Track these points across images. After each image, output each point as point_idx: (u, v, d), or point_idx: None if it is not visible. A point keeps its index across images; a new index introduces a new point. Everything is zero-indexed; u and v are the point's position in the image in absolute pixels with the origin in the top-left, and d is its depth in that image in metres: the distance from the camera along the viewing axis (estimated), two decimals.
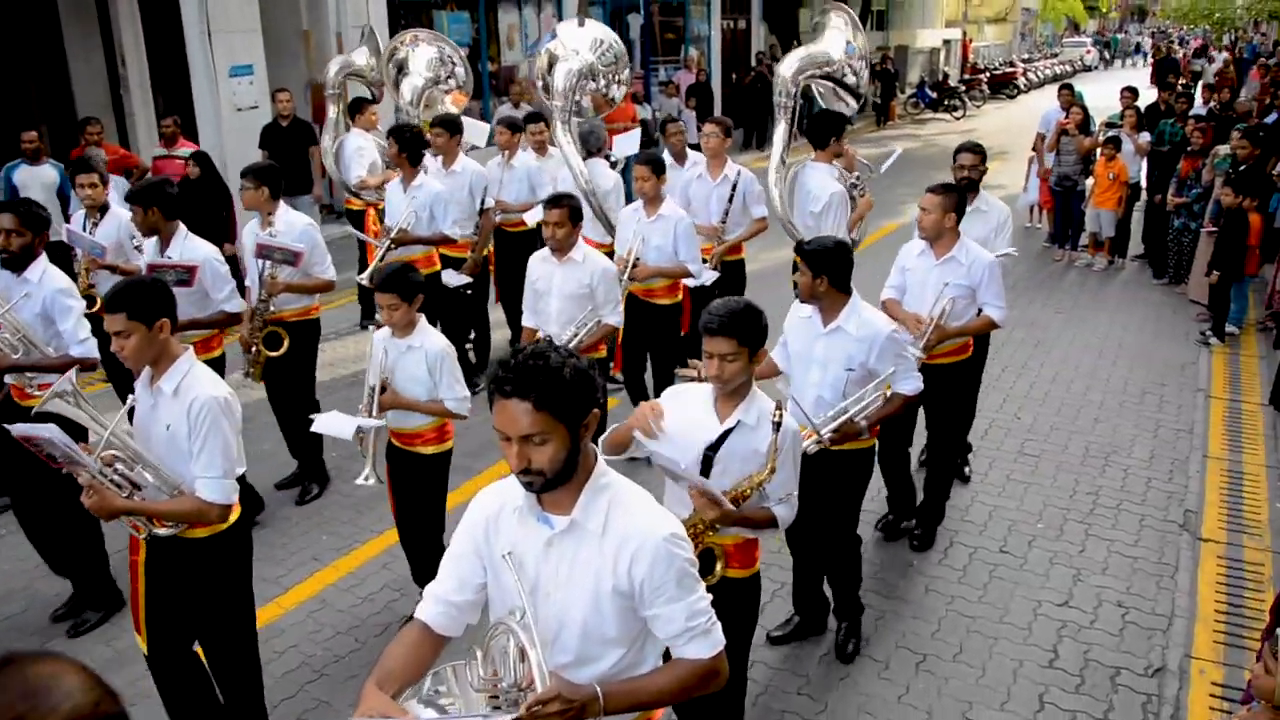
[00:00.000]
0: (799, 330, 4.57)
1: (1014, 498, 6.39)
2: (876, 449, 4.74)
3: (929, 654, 4.88)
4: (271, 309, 6.09)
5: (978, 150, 6.22)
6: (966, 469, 6.66)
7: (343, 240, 11.08)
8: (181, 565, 3.80)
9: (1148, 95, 15.75)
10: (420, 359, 4.68)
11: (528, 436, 2.27)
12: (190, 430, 3.60)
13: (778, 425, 3.41)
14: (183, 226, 5.65)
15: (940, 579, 5.51)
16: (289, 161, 10.68)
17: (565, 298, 5.65)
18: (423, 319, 4.76)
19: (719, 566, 3.55)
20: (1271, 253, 9.89)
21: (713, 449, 3.53)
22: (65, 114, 12.87)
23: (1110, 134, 11.72)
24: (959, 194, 5.44)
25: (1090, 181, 11.84)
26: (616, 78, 8.49)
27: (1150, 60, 36.75)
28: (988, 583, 5.47)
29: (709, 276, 6.96)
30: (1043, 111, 13.11)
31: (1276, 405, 7.65)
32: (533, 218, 7.83)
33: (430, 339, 4.71)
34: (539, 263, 5.78)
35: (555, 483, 2.34)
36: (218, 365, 5.72)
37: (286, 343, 6.21)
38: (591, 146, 8.26)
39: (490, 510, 2.54)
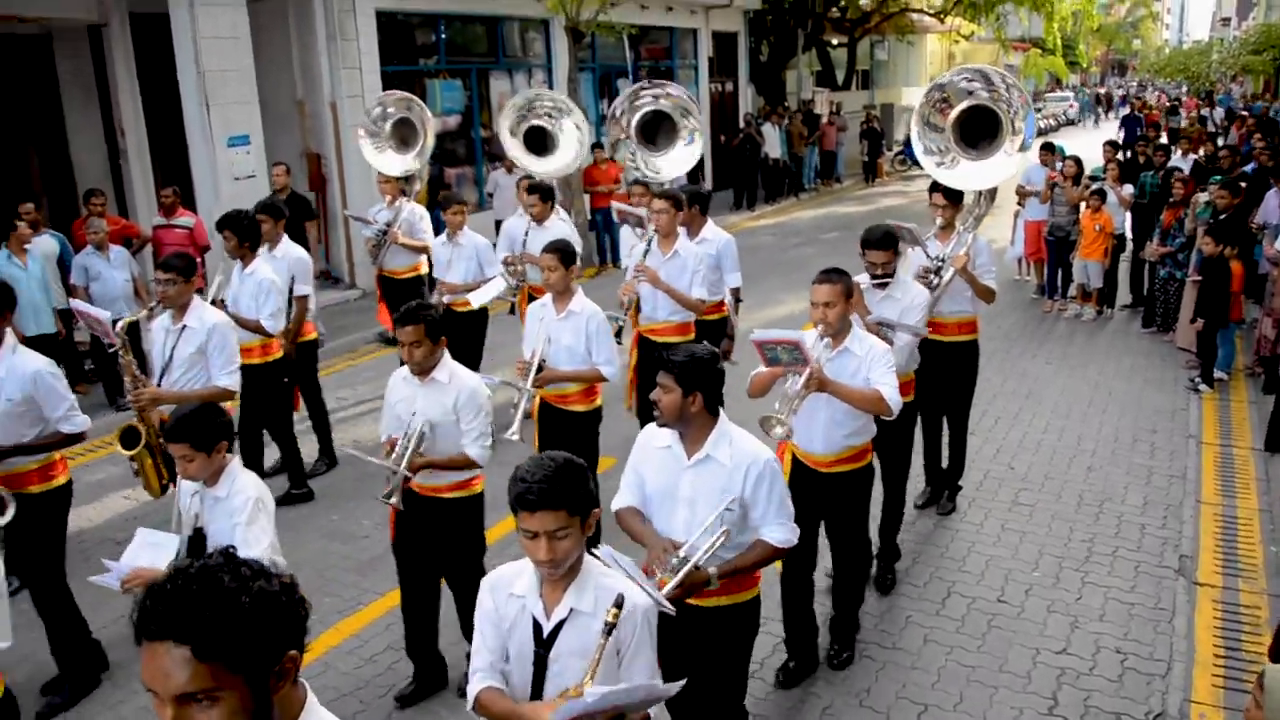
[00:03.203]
0: (655, 463, 3.76)
1: (1009, 547, 6.44)
2: (759, 599, 3.93)
3: (930, 704, 4.90)
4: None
5: (887, 245, 5.46)
6: (890, 576, 6.04)
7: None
8: None
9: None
10: (229, 512, 3.95)
11: (188, 696, 1.65)
12: None
13: (610, 628, 2.70)
14: (11, 336, 4.91)
15: (939, 629, 5.54)
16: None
17: (438, 430, 4.73)
18: (233, 461, 4.07)
19: None
20: (1257, 297, 10.03)
21: (544, 646, 2.84)
22: (65, 185, 13.08)
23: (1095, 187, 11.93)
24: (848, 276, 4.78)
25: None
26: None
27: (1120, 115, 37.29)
28: (986, 632, 5.50)
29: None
30: (1026, 165, 13.33)
31: (1271, 449, 7.73)
32: (479, 298, 7.59)
33: (240, 485, 3.99)
34: (400, 383, 4.82)
35: None
36: (62, 495, 5.11)
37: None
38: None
39: None
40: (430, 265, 9.19)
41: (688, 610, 3.67)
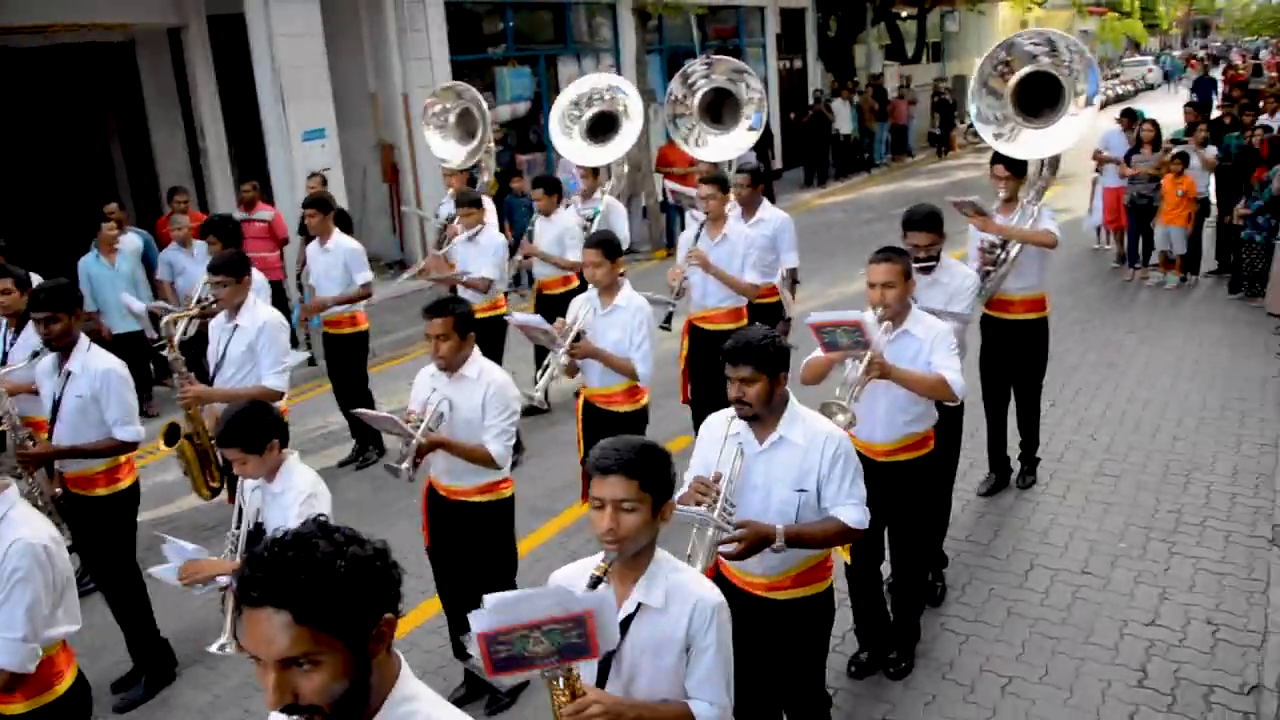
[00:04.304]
0: (725, 455, 3.53)
1: (1094, 518, 6.33)
2: (833, 589, 3.84)
3: (1014, 676, 4.86)
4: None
5: (931, 227, 5.16)
6: (940, 585, 5.63)
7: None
8: None
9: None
10: (283, 508, 3.91)
11: (290, 660, 1.69)
12: None
13: (596, 581, 2.50)
14: (85, 337, 4.96)
15: (1022, 601, 5.48)
16: None
17: (458, 424, 4.56)
18: (290, 457, 4.02)
19: None
20: None
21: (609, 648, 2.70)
22: (149, 185, 13.48)
23: (1176, 150, 11.61)
24: (908, 255, 4.66)
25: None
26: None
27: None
28: (1071, 604, 5.43)
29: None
30: (1103, 131, 13.03)
31: None
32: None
33: (293, 481, 3.96)
34: (427, 379, 4.69)
35: None
36: (128, 497, 5.18)
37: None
38: None
39: None
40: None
41: (765, 604, 3.67)
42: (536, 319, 5.57)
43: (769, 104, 9.14)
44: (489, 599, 2.28)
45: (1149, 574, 5.67)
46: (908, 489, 4.72)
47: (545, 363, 5.56)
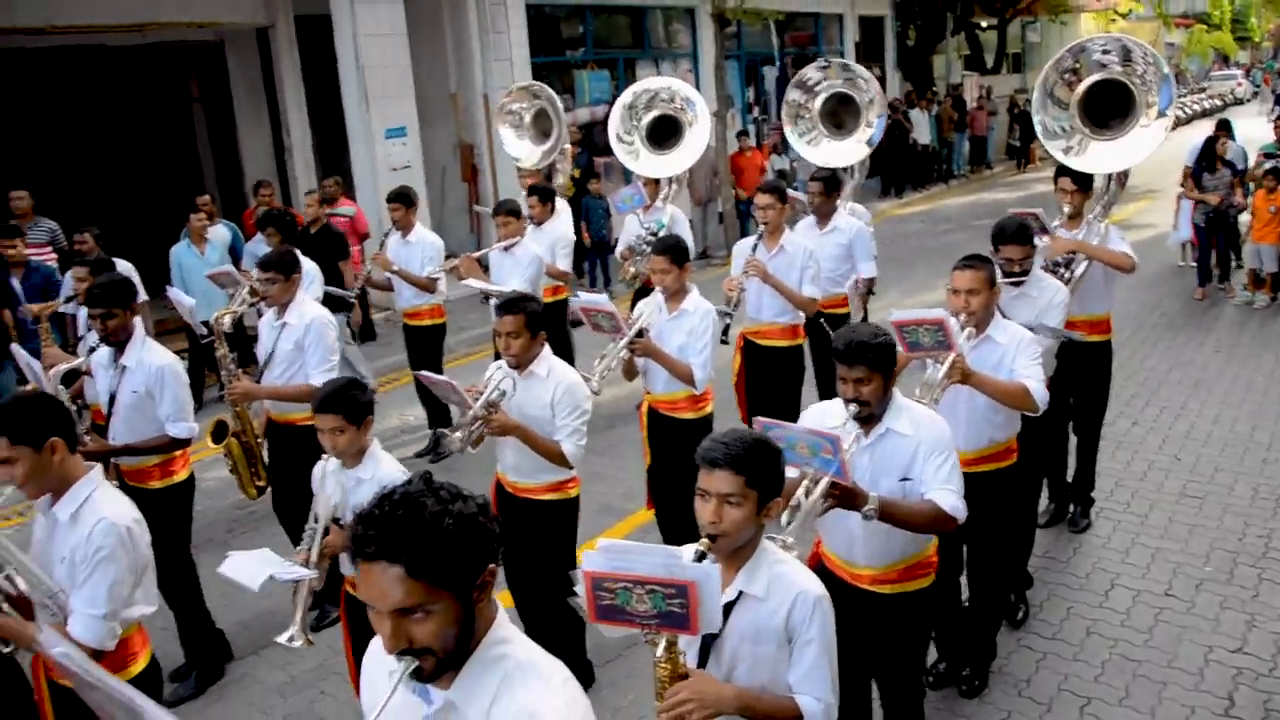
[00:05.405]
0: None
1: (1178, 540, 6.17)
2: (935, 588, 3.81)
3: (1093, 697, 4.75)
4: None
5: (1024, 239, 5.01)
6: (1022, 606, 5.44)
7: None
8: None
9: None
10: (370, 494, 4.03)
11: (404, 610, 1.82)
12: (83, 558, 3.18)
13: (700, 555, 2.53)
14: (140, 329, 4.95)
15: (1102, 621, 5.36)
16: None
17: (526, 420, 4.47)
18: (376, 443, 4.10)
19: None
20: None
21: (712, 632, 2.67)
22: (234, 179, 13.82)
23: (1269, 165, 11.28)
24: (991, 263, 4.55)
25: (1246, 216, 11.43)
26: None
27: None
28: (1153, 626, 5.30)
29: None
30: (1189, 145, 12.75)
31: None
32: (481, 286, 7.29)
33: (384, 471, 3.96)
34: (497, 374, 4.61)
35: (451, 663, 1.90)
36: (183, 491, 5.20)
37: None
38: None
39: (370, 672, 2.18)
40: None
41: (869, 598, 3.65)
42: (603, 299, 5.41)
43: (879, 98, 8.78)
44: (603, 541, 2.38)
45: (1236, 599, 5.51)
46: (989, 503, 4.57)
47: (603, 353, 5.34)
